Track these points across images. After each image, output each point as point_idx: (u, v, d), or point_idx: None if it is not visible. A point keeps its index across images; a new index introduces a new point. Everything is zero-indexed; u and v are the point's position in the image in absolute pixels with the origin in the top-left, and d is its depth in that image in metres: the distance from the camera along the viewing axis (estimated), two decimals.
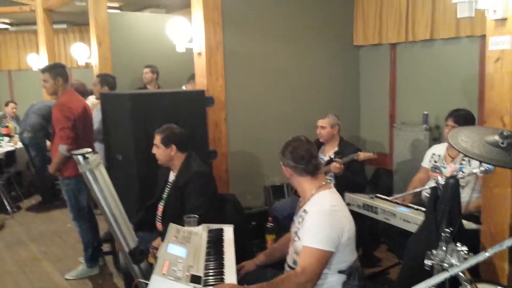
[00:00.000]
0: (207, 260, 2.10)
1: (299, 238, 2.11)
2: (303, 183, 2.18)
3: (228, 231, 2.44)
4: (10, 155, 5.83)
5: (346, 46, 4.75)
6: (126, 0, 6.46)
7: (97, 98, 4.48)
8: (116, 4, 6.61)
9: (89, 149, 2.49)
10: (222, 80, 3.88)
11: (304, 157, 2.13)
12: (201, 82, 3.87)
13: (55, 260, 4.08)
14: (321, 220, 2.02)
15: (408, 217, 2.65)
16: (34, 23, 7.13)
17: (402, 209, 2.75)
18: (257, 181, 4.26)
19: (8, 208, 5.44)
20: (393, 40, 4.41)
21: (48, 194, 5.75)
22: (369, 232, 3.46)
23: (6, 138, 6.17)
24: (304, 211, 2.14)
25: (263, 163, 4.27)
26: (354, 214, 2.51)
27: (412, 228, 2.57)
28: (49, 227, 4.99)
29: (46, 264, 4.00)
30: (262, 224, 3.50)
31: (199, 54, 3.85)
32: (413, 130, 4.20)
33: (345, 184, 3.32)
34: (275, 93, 4.30)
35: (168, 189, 3.00)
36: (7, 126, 6.39)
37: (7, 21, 8.01)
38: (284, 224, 3.21)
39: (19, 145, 5.85)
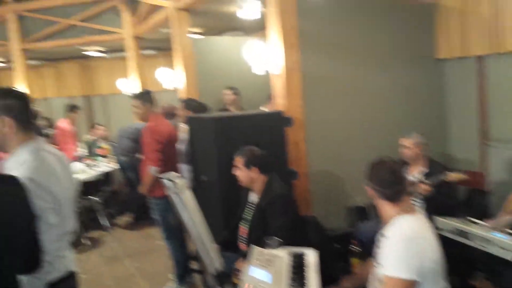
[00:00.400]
0: (290, 285, 2.10)
1: (378, 264, 2.05)
2: (385, 206, 2.12)
3: (311, 255, 2.42)
4: (107, 175, 6.29)
5: (428, 61, 4.53)
6: (207, 25, 6.77)
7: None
8: (198, 30, 6.95)
9: (176, 174, 2.65)
10: (300, 100, 3.87)
11: (388, 181, 2.07)
12: (279, 103, 3.92)
13: (148, 276, 4.28)
14: (399, 246, 1.94)
15: (506, 245, 2.45)
16: (124, 50, 7.73)
17: (499, 235, 2.54)
18: (340, 201, 4.15)
19: (105, 224, 5.85)
20: (479, 52, 4.11)
21: (140, 212, 6.08)
22: (463, 258, 3.21)
23: (103, 159, 6.55)
24: (384, 235, 2.07)
25: (345, 183, 4.16)
26: (447, 239, 2.37)
27: (510, 256, 2.37)
28: (141, 244, 5.28)
29: (140, 280, 4.23)
30: (346, 247, 3.41)
31: (277, 75, 3.90)
32: (510, 148, 3.88)
33: (434, 207, 3.14)
34: (355, 111, 4.20)
35: (249, 210, 3.05)
36: (102, 147, 6.74)
37: (101, 49, 8.78)
38: (369, 247, 3.10)
39: (115, 165, 6.25)
